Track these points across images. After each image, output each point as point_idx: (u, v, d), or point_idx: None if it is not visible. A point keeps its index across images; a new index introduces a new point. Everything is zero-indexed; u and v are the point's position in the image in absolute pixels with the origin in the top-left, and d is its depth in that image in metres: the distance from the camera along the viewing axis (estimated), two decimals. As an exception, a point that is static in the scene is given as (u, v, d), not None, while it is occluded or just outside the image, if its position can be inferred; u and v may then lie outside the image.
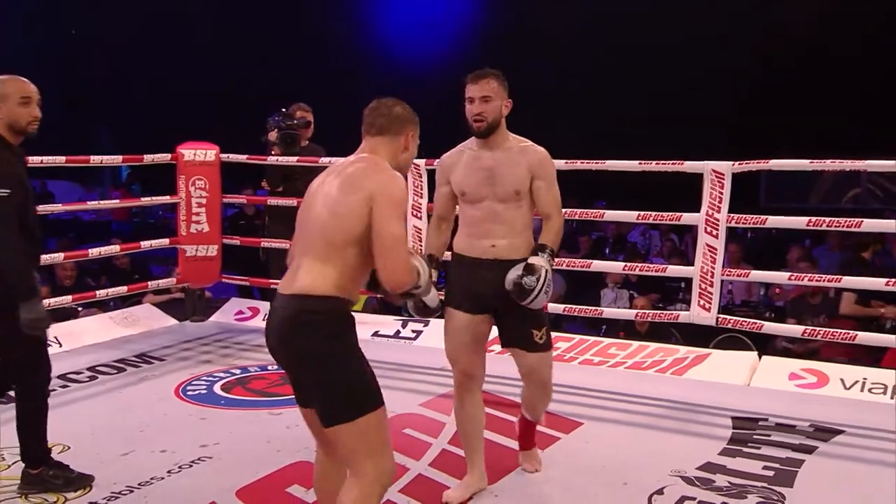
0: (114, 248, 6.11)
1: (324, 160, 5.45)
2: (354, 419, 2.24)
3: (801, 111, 9.58)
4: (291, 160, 5.44)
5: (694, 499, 3.12)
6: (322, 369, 2.27)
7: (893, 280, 4.17)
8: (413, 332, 5.48)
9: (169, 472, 3.35)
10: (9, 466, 3.39)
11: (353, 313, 2.35)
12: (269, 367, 4.81)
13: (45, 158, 5.07)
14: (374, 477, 2.28)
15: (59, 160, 5.23)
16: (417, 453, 3.52)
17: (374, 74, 12.20)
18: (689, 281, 4.70)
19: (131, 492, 3.16)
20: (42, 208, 6.38)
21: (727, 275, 4.58)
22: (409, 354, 5.08)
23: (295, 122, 5.45)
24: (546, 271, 2.87)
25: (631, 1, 11.60)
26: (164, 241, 5.88)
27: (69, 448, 3.56)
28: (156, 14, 13.84)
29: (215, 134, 6.05)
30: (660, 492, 3.17)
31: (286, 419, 3.95)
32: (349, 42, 12.99)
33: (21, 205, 3.05)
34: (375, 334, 5.50)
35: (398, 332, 5.52)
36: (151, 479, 3.27)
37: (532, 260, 2.89)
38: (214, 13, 13.72)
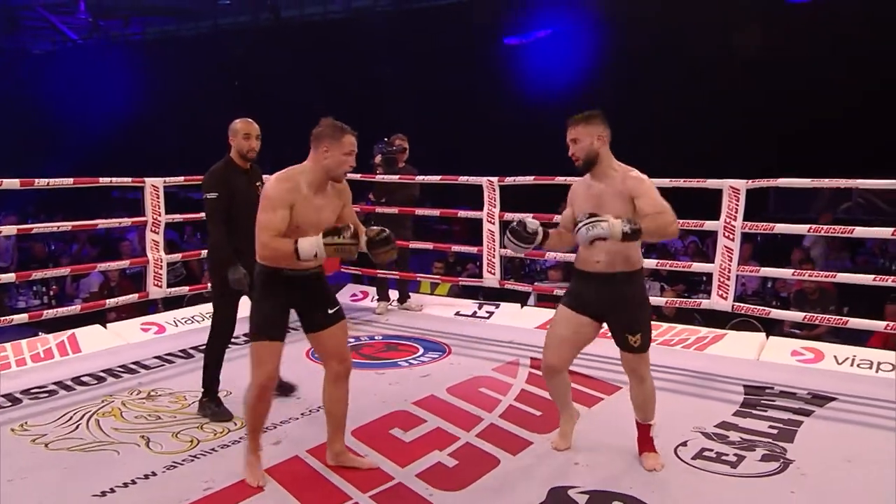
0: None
1: (418, 178, 5.56)
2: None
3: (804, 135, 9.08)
4: (392, 178, 5.55)
5: (711, 450, 3.06)
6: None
7: (880, 276, 3.98)
8: (487, 312, 5.49)
9: (301, 414, 3.46)
10: (189, 405, 3.59)
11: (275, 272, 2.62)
12: (376, 337, 4.92)
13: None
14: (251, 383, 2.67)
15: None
16: (490, 407, 3.55)
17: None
18: (710, 275, 4.59)
19: (275, 428, 3.27)
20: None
21: (741, 271, 4.45)
22: (483, 330, 5.10)
23: (394, 148, 5.58)
24: (602, 222, 2.52)
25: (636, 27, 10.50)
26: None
27: (230, 393, 3.71)
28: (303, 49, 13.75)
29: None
30: (683, 444, 3.11)
31: (388, 378, 4.03)
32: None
33: (226, 207, 3.35)
34: (457, 314, 5.54)
35: (475, 312, 5.53)
36: (289, 418, 3.39)
37: (607, 216, 2.57)
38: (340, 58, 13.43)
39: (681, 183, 4.42)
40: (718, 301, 4.36)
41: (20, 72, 14.59)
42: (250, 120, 3.49)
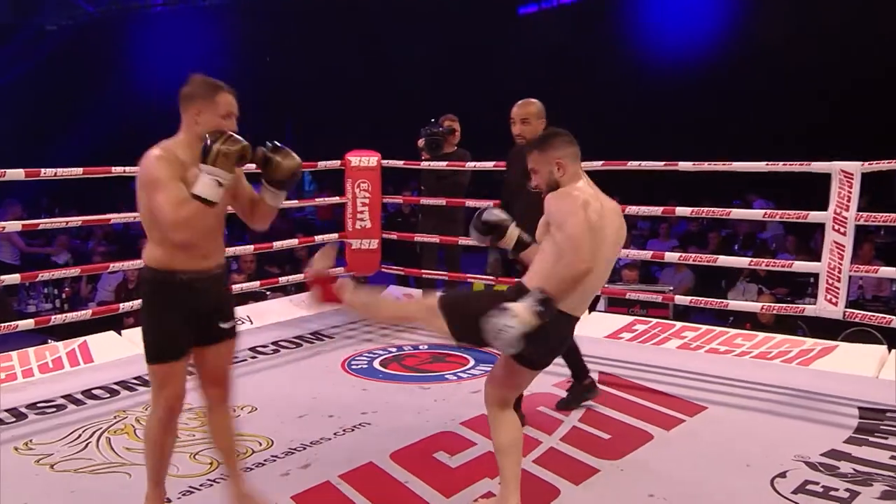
0: (294, 242, 6.42)
1: (469, 164, 5.53)
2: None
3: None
4: (440, 164, 5.53)
5: (817, 483, 2.93)
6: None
7: None
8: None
9: (335, 434, 3.47)
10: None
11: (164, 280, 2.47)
12: (421, 347, 4.92)
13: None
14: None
15: (251, 167, 5.57)
16: (550, 429, 3.50)
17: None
18: (817, 276, 4.41)
19: (304, 449, 3.30)
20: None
21: (855, 271, 4.26)
22: (545, 339, 5.04)
23: (440, 129, 5.56)
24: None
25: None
26: (334, 236, 6.12)
27: (256, 409, 3.78)
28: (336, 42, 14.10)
29: (376, 141, 6.24)
30: (782, 475, 2.99)
31: (434, 393, 4.02)
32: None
33: None
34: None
35: (536, 318, 5.48)
36: (321, 439, 3.41)
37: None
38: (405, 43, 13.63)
39: (779, 167, 4.28)
40: (826, 307, 4.19)
41: (40, 50, 15.26)
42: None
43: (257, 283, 5.79)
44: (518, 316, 2.35)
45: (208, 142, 2.34)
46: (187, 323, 2.49)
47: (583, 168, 2.67)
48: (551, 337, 2.53)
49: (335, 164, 5.92)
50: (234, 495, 2.69)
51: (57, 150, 12.15)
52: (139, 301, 4.97)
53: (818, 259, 4.29)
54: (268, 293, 6.33)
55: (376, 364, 4.58)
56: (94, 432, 3.53)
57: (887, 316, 4.42)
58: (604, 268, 2.61)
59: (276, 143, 2.54)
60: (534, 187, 2.67)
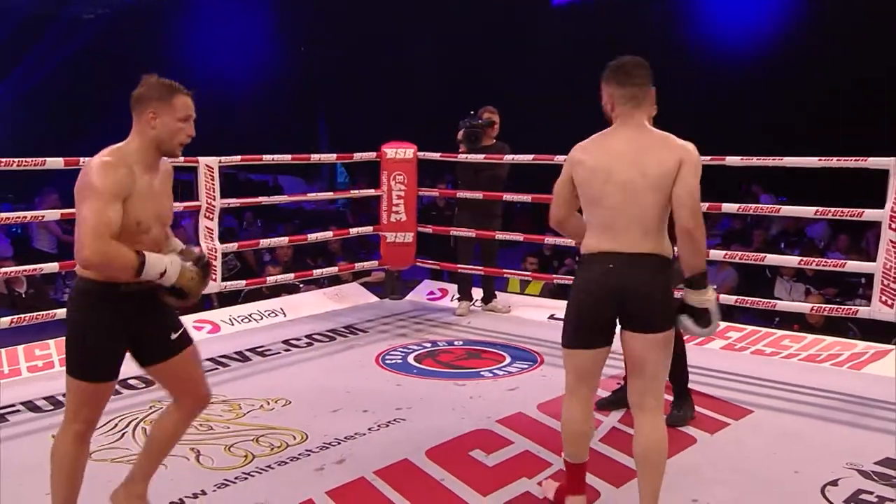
0: (327, 234, 6.46)
1: (507, 157, 5.50)
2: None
3: None
4: (478, 157, 5.51)
5: (871, 493, 2.86)
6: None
7: None
8: (588, 316, 5.38)
9: (369, 429, 3.49)
10: (244, 414, 3.69)
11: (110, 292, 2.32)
12: (456, 343, 4.91)
13: (275, 157, 5.52)
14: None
15: (286, 158, 5.67)
16: (590, 428, 3.47)
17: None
18: (870, 277, 4.31)
19: (339, 444, 3.32)
20: (270, 199, 6.87)
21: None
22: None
23: (479, 121, 5.54)
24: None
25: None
26: (369, 229, 6.13)
27: (290, 402, 3.81)
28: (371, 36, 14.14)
29: (417, 134, 6.23)
30: (834, 483, 2.93)
31: (469, 390, 4.01)
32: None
33: None
34: (551, 317, 5.45)
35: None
36: (355, 434, 3.42)
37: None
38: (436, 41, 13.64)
39: (833, 162, 4.18)
40: (881, 309, 4.08)
41: (77, 40, 15.54)
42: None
43: (291, 275, 5.84)
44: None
45: (201, 260, 2.41)
46: (120, 341, 2.37)
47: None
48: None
49: (371, 155, 5.93)
50: (134, 494, 2.56)
51: (91, 141, 12.37)
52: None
53: (871, 259, 4.19)
54: (301, 286, 6.38)
55: (410, 359, 4.59)
56: (130, 422, 3.59)
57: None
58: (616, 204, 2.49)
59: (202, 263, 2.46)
60: None
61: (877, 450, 3.20)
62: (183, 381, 2.52)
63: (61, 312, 4.55)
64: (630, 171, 2.45)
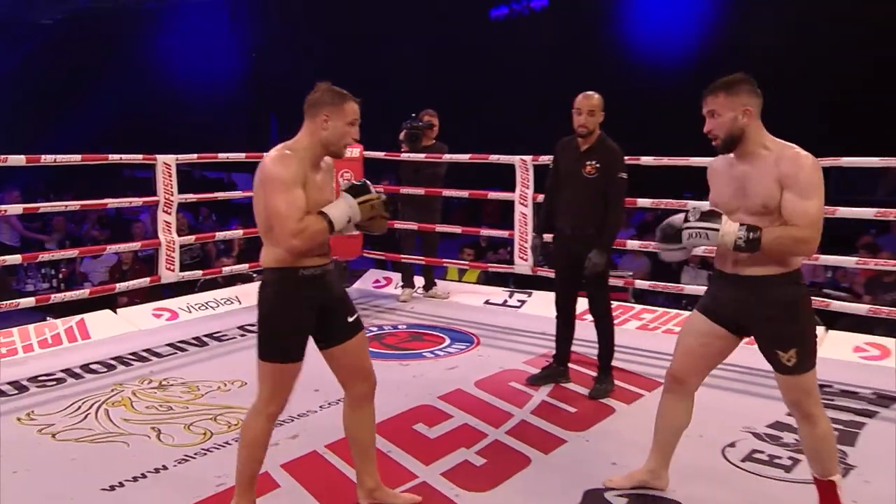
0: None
1: (446, 157, 5.52)
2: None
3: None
4: (419, 156, 5.51)
5: (763, 452, 3.00)
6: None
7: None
8: (519, 301, 5.46)
9: (320, 407, 3.46)
10: (202, 395, 3.62)
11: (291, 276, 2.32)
12: (400, 327, 4.91)
13: (229, 155, 5.41)
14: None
15: (240, 156, 5.56)
16: (521, 402, 3.53)
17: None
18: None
19: (292, 421, 3.29)
20: (225, 195, 6.74)
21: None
22: (515, 319, 5.07)
23: (420, 123, 5.55)
24: (711, 230, 2.24)
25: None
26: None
27: (246, 384, 3.75)
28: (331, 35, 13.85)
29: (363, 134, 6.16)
30: (732, 445, 3.05)
31: (413, 370, 4.03)
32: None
33: None
34: (486, 302, 5.51)
35: (506, 301, 5.50)
36: (307, 411, 3.40)
37: (723, 218, 2.27)
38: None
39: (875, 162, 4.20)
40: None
41: (30, 44, 14.89)
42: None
43: (245, 265, 5.74)
44: (721, 230, 2.23)
45: (369, 186, 2.35)
46: (309, 322, 2.37)
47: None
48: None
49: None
50: (369, 489, 2.56)
51: (49, 141, 11.92)
52: (134, 281, 4.87)
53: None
54: (255, 275, 6.27)
55: (358, 342, 4.56)
56: (93, 404, 3.48)
57: (826, 300, 4.54)
58: None
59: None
60: (708, 133, 2.35)
61: (768, 414, 3.33)
62: (355, 364, 2.50)
63: (25, 302, 4.40)
64: None
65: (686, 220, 2.32)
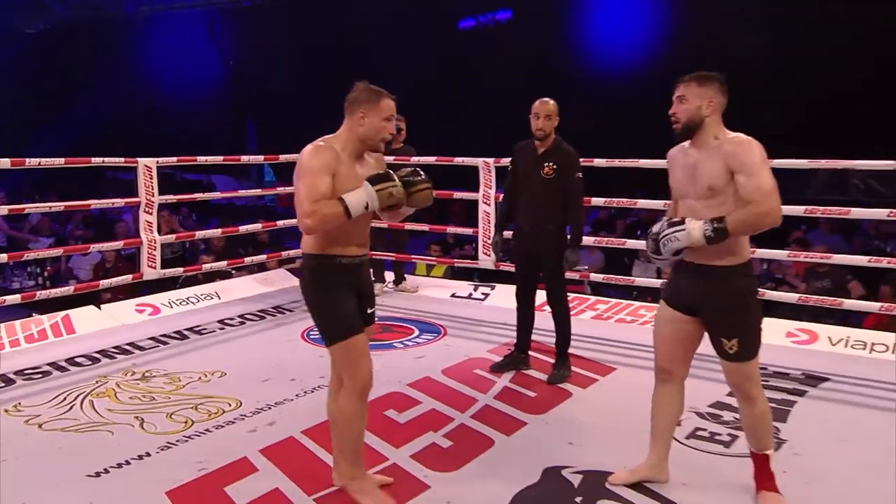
0: (257, 226, 6.29)
1: (413, 159, 5.51)
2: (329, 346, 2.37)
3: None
4: (388, 158, 5.49)
5: (705, 430, 3.07)
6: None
7: (875, 258, 3.98)
8: (483, 294, 5.48)
9: (296, 395, 3.45)
10: (184, 386, 3.57)
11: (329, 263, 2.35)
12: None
13: (208, 158, 5.33)
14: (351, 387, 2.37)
15: (218, 159, 5.48)
16: (485, 388, 3.55)
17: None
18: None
19: (269, 409, 3.28)
20: (204, 196, 6.64)
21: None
22: (479, 311, 5.09)
23: None
24: (678, 231, 2.30)
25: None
26: (293, 222, 5.99)
27: (226, 374, 3.72)
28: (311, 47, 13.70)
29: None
30: (677, 423, 3.10)
31: (383, 359, 4.01)
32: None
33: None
34: (452, 295, 5.53)
35: (470, 294, 5.53)
36: (284, 399, 3.38)
37: (686, 220, 2.32)
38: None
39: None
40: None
41: (12, 50, 14.49)
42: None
43: (224, 262, 5.67)
44: (686, 229, 2.28)
45: (391, 175, 2.30)
46: (354, 297, 2.38)
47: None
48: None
49: (295, 157, 5.75)
50: (343, 476, 2.50)
51: (35, 145, 11.64)
52: (117, 279, 4.80)
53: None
54: (233, 272, 6.20)
55: (333, 334, 4.54)
56: (78, 395, 3.42)
57: (760, 290, 4.64)
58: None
59: (414, 170, 2.42)
60: (671, 115, 2.39)
61: (710, 395, 3.40)
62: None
63: (11, 298, 4.29)
64: None
65: (661, 230, 2.38)
